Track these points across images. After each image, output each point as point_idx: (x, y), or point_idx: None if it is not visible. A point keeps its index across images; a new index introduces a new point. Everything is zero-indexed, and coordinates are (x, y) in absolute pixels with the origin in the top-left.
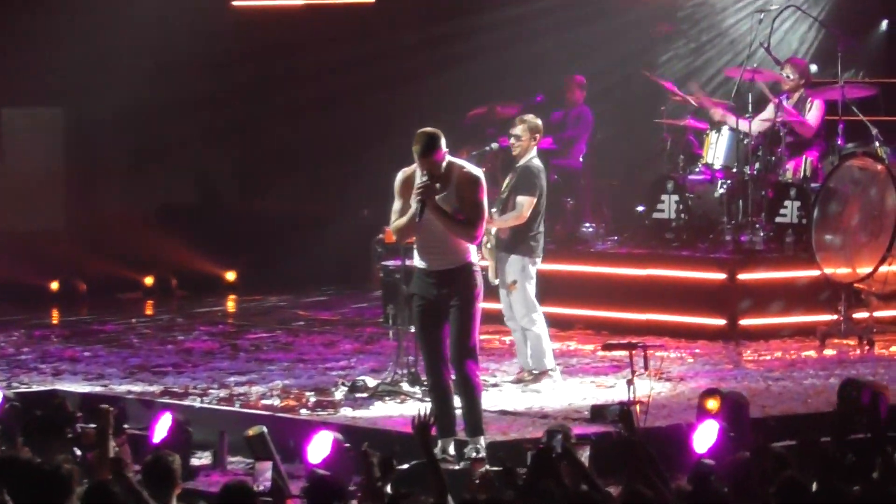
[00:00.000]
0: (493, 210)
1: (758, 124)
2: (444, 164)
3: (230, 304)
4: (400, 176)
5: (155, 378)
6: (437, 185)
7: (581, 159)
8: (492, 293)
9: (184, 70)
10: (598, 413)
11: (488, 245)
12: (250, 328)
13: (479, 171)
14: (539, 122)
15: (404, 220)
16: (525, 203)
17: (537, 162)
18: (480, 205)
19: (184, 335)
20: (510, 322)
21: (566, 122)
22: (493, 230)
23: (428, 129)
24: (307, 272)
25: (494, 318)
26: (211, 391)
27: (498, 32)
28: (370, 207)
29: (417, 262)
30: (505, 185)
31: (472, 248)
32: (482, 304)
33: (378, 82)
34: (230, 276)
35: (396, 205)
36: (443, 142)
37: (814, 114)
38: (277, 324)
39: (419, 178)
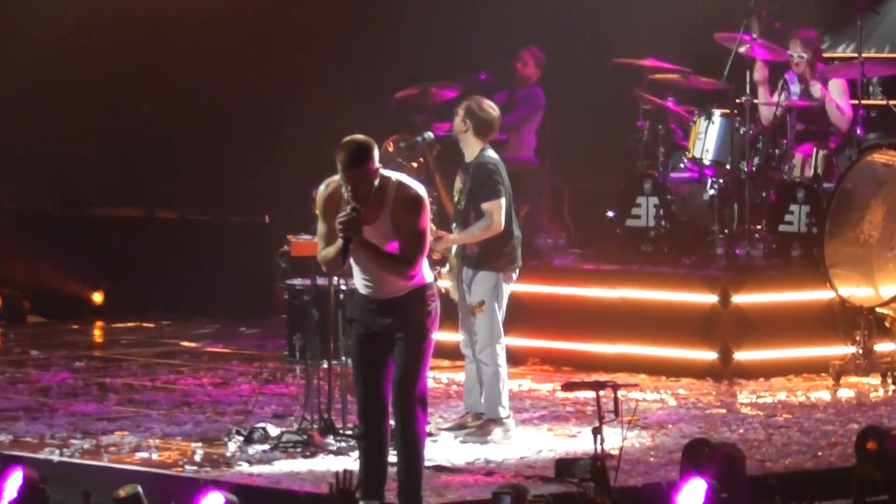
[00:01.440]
0: (453, 225)
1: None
2: (376, 180)
3: (97, 333)
4: (322, 192)
5: (2, 425)
6: (362, 214)
7: (534, 154)
8: (445, 321)
9: (42, 54)
10: (565, 468)
11: (446, 268)
12: (122, 363)
13: (421, 190)
14: (487, 113)
15: (331, 251)
16: (493, 209)
17: (492, 155)
18: (420, 235)
19: (38, 371)
20: (466, 350)
21: (511, 104)
22: (454, 249)
23: (358, 136)
24: (193, 293)
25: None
26: (73, 441)
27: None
28: (272, 212)
29: (357, 283)
30: (456, 191)
31: (426, 263)
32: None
33: (280, 59)
34: (97, 297)
35: (321, 228)
36: (376, 153)
37: (840, 98)
38: (156, 357)
39: (346, 195)
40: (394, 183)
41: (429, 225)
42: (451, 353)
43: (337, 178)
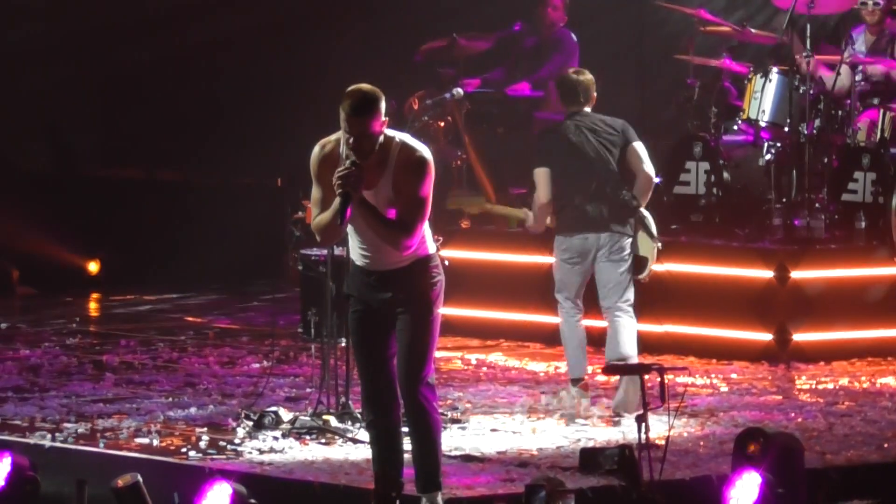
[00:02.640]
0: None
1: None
2: (379, 138)
3: (92, 306)
4: (317, 152)
5: None
6: (363, 169)
7: None
8: (452, 296)
9: (34, 7)
10: (591, 459)
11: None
12: (119, 339)
13: (426, 153)
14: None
15: (327, 216)
16: (537, 176)
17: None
18: (422, 202)
19: (29, 348)
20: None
21: (542, 54)
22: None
23: (365, 85)
24: (198, 263)
25: (456, 329)
26: (66, 425)
27: None
28: (285, 176)
29: (353, 254)
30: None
31: (428, 234)
32: (442, 310)
33: (295, 8)
34: (92, 267)
35: (315, 193)
36: (383, 106)
37: None
38: (157, 333)
39: (345, 152)
40: (397, 143)
41: (430, 192)
42: (483, 332)
43: (334, 137)
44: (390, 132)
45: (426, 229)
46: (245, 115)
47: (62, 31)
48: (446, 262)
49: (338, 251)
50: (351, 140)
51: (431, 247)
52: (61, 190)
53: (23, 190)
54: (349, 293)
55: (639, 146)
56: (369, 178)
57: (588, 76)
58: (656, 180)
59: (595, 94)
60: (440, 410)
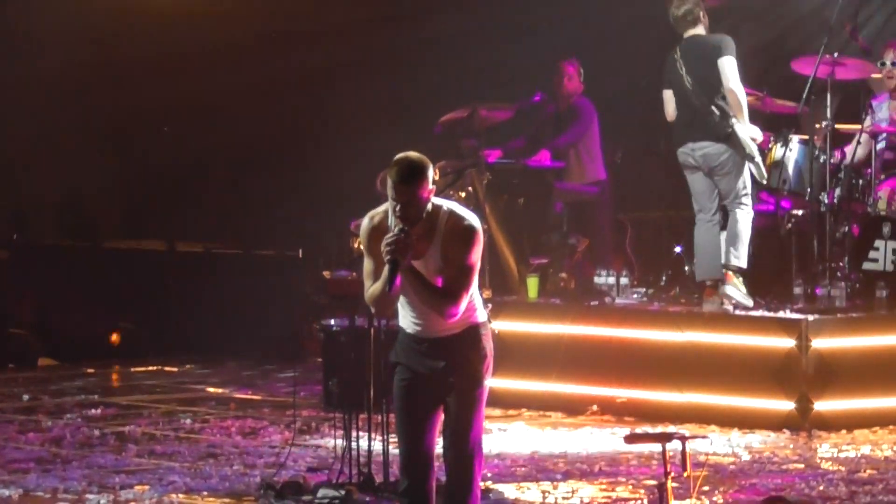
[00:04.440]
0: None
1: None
2: (427, 206)
3: (114, 377)
4: (366, 225)
5: (11, 478)
6: (412, 236)
7: (605, 169)
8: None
9: (55, 77)
10: None
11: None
12: (142, 410)
13: (475, 222)
14: None
15: (377, 286)
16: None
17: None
18: (468, 270)
19: (51, 419)
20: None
21: (560, 121)
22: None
23: (412, 153)
24: (219, 334)
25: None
26: (88, 496)
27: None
28: (305, 245)
29: (403, 322)
30: None
31: (479, 301)
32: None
33: (315, 84)
34: (114, 338)
35: (367, 265)
36: (430, 174)
37: None
38: (178, 404)
39: (392, 221)
40: (445, 212)
41: (478, 262)
42: (505, 401)
43: (382, 209)
44: (438, 200)
45: (477, 297)
46: (263, 188)
47: (84, 106)
48: (496, 332)
49: (359, 321)
50: (398, 208)
51: (482, 315)
52: (82, 262)
53: (44, 263)
54: (397, 360)
55: None
56: (418, 247)
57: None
58: None
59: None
60: None
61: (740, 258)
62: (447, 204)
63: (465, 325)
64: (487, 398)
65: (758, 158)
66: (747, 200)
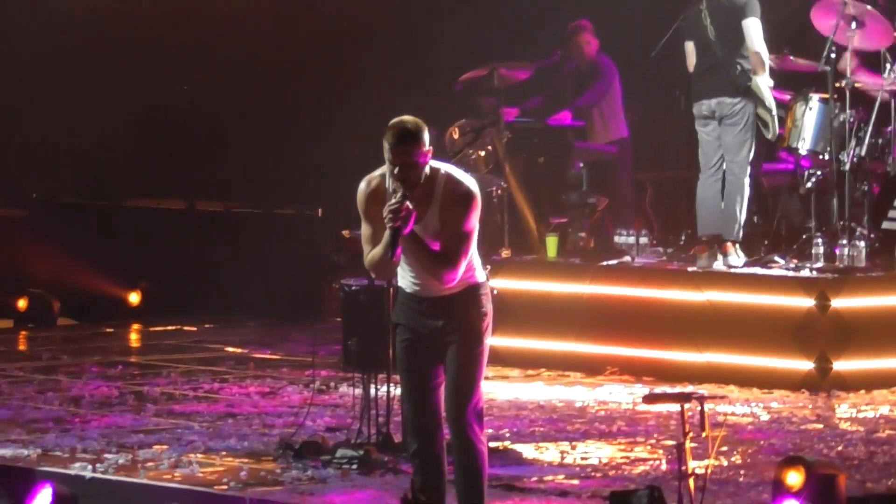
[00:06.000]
0: None
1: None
2: (424, 168)
3: (133, 337)
4: (363, 188)
5: (30, 438)
6: (412, 203)
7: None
8: (494, 325)
9: (75, 34)
10: (620, 501)
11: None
12: (160, 370)
13: (473, 186)
14: None
15: (378, 251)
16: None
17: None
18: (465, 236)
19: (70, 379)
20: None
21: (581, 80)
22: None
23: (407, 116)
24: (238, 294)
25: (496, 358)
26: (107, 456)
27: None
28: (325, 205)
29: (402, 282)
30: None
31: (478, 262)
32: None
33: (337, 42)
34: (133, 297)
35: (365, 230)
36: (426, 136)
37: None
38: (197, 364)
39: (391, 186)
40: (443, 176)
41: (476, 226)
42: (524, 361)
43: (378, 172)
44: (436, 164)
45: (476, 258)
46: (284, 146)
47: (104, 61)
48: (495, 292)
49: (377, 281)
50: (396, 171)
51: (481, 275)
52: (101, 221)
53: (63, 222)
54: (397, 321)
55: None
56: (417, 210)
57: None
58: None
59: None
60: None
61: (734, 231)
62: (445, 167)
63: (464, 284)
64: (504, 357)
65: (774, 112)
66: (743, 171)
